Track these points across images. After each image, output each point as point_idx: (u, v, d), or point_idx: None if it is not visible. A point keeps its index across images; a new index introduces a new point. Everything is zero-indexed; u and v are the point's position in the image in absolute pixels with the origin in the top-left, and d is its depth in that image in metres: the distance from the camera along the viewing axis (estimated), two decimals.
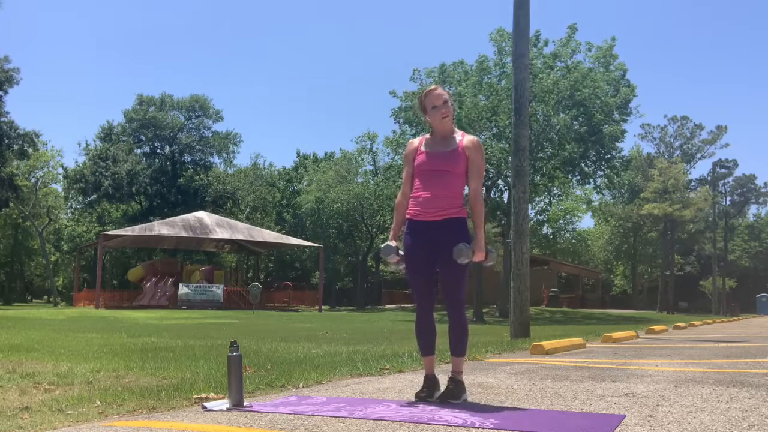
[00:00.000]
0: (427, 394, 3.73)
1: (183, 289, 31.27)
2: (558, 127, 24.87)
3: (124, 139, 55.57)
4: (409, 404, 3.55)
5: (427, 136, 3.82)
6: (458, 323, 3.72)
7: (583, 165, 26.43)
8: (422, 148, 3.76)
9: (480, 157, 3.72)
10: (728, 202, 66.10)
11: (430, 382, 3.80)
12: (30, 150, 43.87)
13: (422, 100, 3.75)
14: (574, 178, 27.90)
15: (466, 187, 3.79)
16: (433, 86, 3.80)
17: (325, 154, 54.06)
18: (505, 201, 26.88)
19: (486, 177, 27.44)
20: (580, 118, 25.06)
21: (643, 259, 60.49)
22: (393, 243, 3.77)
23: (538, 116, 24.10)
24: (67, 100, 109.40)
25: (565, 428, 2.92)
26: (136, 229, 34.51)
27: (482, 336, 10.31)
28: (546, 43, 26.49)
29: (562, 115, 24.59)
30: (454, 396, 3.63)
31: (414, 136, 27.35)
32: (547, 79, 24.70)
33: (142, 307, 29.84)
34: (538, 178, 26.89)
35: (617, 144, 26.53)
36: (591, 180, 27.60)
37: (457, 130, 3.78)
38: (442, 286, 3.72)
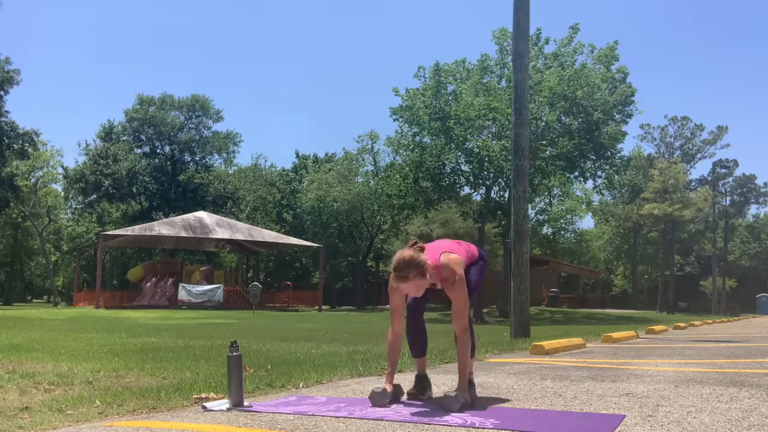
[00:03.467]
0: (418, 392, 3.74)
1: (183, 289, 31.26)
2: (550, 124, 24.87)
3: (124, 138, 55.59)
4: (409, 404, 3.55)
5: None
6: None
7: (582, 163, 26.38)
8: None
9: (457, 291, 3.46)
10: (728, 202, 66.12)
11: (422, 381, 3.81)
12: (30, 150, 43.83)
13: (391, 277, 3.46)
14: (573, 175, 27.87)
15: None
16: (400, 274, 3.37)
17: (326, 154, 54.10)
18: (506, 200, 26.85)
19: (486, 177, 27.44)
20: (579, 116, 25.02)
21: (643, 259, 60.52)
22: (386, 389, 3.53)
23: (535, 114, 24.07)
24: (67, 100, 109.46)
25: (565, 428, 2.92)
26: (136, 229, 34.50)
27: (482, 336, 10.30)
28: (547, 41, 26.48)
29: (554, 112, 24.54)
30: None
31: (414, 137, 27.32)
32: (545, 80, 24.68)
33: (142, 307, 29.83)
34: (539, 177, 26.87)
35: (617, 145, 26.52)
36: (590, 178, 27.54)
37: (429, 266, 3.43)
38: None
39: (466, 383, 3.50)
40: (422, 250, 3.48)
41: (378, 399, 3.46)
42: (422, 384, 3.79)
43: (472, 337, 3.71)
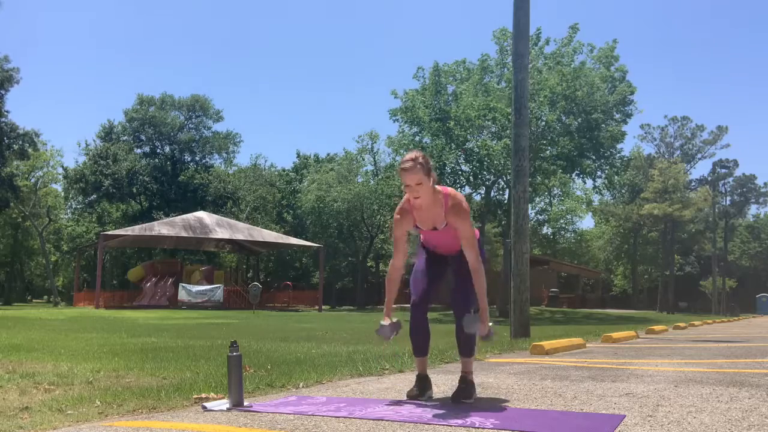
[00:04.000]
0: (418, 392, 3.75)
1: (183, 289, 31.26)
2: (550, 124, 24.88)
3: (124, 138, 55.56)
4: (409, 404, 3.55)
5: (414, 202, 3.61)
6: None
7: (581, 162, 26.39)
8: (416, 224, 3.70)
9: (464, 222, 3.60)
10: (728, 202, 66.14)
11: (422, 381, 3.82)
12: (30, 150, 43.82)
13: (399, 171, 3.60)
14: (574, 174, 27.89)
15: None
16: (407, 161, 3.51)
17: (327, 155, 54.11)
18: (506, 200, 26.86)
19: (486, 177, 27.47)
20: (580, 116, 25.02)
21: (643, 259, 60.53)
22: (387, 321, 3.70)
23: (536, 115, 24.07)
24: (67, 100, 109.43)
25: (565, 428, 2.92)
26: (136, 229, 34.50)
27: None
28: (547, 42, 26.51)
29: (554, 112, 24.53)
30: (466, 395, 3.66)
31: (413, 137, 27.34)
32: (546, 80, 24.68)
33: (142, 307, 29.83)
34: (539, 178, 26.89)
35: (617, 145, 26.55)
36: (591, 177, 27.55)
37: (437, 191, 3.60)
38: (453, 290, 3.73)
39: (487, 310, 3.62)
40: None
41: (386, 331, 3.69)
42: (423, 384, 3.80)
43: (473, 336, 3.73)
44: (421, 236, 3.84)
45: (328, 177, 44.02)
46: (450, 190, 3.69)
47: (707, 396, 3.83)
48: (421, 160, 3.52)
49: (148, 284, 34.72)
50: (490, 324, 3.64)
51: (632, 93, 25.61)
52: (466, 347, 3.75)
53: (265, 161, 67.56)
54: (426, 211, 3.62)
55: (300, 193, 48.35)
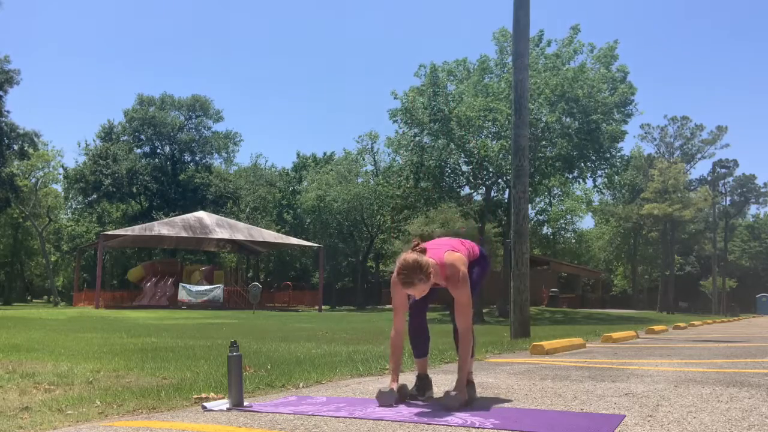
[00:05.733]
0: (419, 392, 3.74)
1: (183, 289, 31.26)
2: (549, 125, 24.85)
3: (124, 138, 55.55)
4: (410, 404, 3.55)
5: None
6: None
7: (581, 163, 26.36)
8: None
9: (459, 290, 3.45)
10: (728, 202, 66.13)
11: (422, 381, 3.82)
12: (30, 150, 43.83)
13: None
14: (572, 176, 27.86)
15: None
16: (407, 284, 3.34)
17: (325, 154, 54.12)
18: (506, 200, 26.84)
19: (486, 177, 27.43)
20: (579, 117, 24.98)
21: (643, 259, 60.50)
22: (392, 388, 3.52)
23: (535, 115, 24.03)
24: (67, 100, 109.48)
25: (565, 428, 2.92)
26: (136, 229, 34.50)
27: (482, 336, 10.30)
28: (549, 43, 26.47)
29: (554, 113, 24.50)
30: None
31: (414, 137, 27.30)
32: (547, 83, 24.64)
33: (142, 307, 29.84)
34: (538, 178, 26.85)
35: (617, 144, 26.50)
36: (590, 178, 27.52)
37: (432, 268, 3.41)
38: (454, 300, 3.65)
39: (465, 382, 3.50)
40: (424, 251, 3.44)
41: (385, 399, 3.45)
42: (423, 384, 3.80)
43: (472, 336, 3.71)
44: None
45: (328, 177, 44.02)
46: (446, 259, 3.48)
47: (707, 396, 3.83)
48: (421, 275, 3.31)
49: (148, 284, 34.73)
50: (472, 388, 3.59)
51: (633, 94, 25.57)
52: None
53: (266, 161, 67.56)
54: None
55: (300, 193, 48.33)
